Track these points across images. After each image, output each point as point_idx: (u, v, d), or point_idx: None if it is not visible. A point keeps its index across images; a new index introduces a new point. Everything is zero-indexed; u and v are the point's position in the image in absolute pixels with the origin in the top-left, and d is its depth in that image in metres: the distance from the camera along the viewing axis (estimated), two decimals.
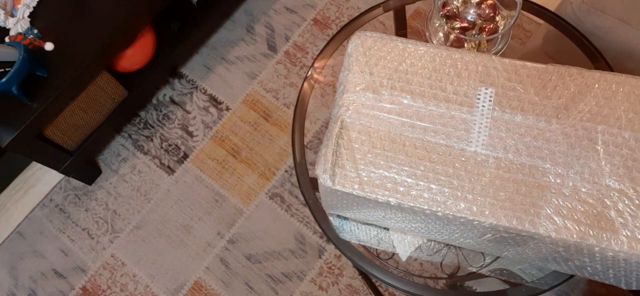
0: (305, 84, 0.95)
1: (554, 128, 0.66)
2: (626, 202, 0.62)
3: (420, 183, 0.66)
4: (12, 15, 1.24)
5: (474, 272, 0.84)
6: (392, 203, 0.66)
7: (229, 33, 1.63)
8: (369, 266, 0.83)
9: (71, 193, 1.51)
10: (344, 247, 0.84)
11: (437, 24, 0.86)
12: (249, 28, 1.63)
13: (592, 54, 0.90)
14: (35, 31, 1.23)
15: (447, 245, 0.86)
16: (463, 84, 0.69)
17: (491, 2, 0.83)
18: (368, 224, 0.87)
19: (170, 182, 1.48)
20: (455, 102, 0.68)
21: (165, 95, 1.58)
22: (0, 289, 1.43)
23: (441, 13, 0.84)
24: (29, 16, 1.25)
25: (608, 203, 0.62)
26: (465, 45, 0.83)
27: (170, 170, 1.50)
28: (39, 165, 1.52)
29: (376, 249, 0.87)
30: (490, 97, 0.68)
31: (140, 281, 1.40)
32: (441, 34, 0.87)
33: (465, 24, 0.83)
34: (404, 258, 0.84)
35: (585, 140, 0.65)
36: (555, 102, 0.67)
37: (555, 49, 1.09)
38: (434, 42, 0.87)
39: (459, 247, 0.86)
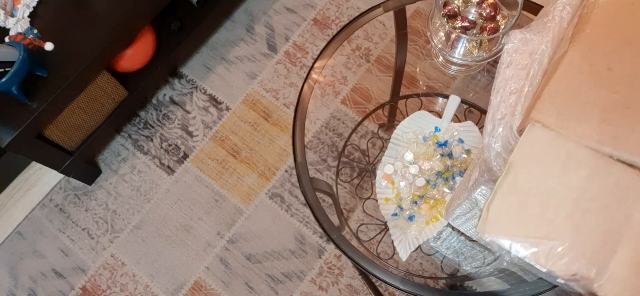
0: (306, 84, 0.95)
1: None
2: None
3: None
4: (12, 15, 1.24)
5: (474, 272, 0.84)
6: None
7: (229, 33, 1.63)
8: (369, 266, 0.83)
9: (71, 193, 1.50)
10: (344, 247, 0.84)
11: (438, 24, 0.86)
12: (248, 28, 1.62)
13: None
14: (35, 31, 1.23)
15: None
16: None
17: (492, 1, 0.83)
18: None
19: (170, 182, 1.48)
20: None
21: (165, 95, 1.58)
22: (0, 289, 1.43)
23: (442, 12, 0.84)
24: (29, 16, 1.25)
25: None
26: (467, 44, 0.83)
27: (170, 170, 1.49)
28: (39, 165, 1.52)
29: (376, 249, 0.86)
30: None
31: (140, 281, 1.40)
32: (442, 34, 0.87)
33: (466, 24, 0.83)
34: (404, 258, 0.84)
35: None
36: None
37: None
38: (435, 41, 0.87)
39: (459, 248, 0.86)
